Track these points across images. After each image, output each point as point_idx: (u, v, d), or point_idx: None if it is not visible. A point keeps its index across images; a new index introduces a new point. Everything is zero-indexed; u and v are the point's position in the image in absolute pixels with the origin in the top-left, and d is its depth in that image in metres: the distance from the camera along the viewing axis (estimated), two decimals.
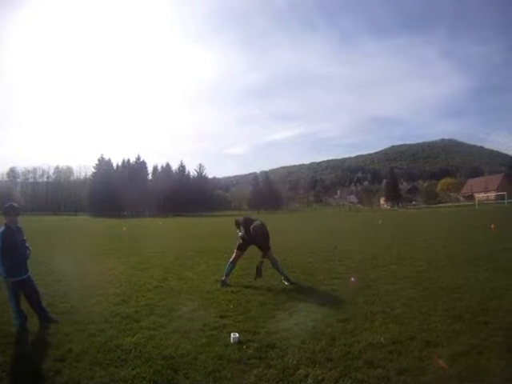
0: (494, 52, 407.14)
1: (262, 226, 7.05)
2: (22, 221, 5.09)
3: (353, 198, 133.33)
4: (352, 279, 7.27)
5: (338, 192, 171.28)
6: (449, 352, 3.68)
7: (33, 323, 4.87)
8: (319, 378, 3.31)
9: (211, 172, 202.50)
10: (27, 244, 5.09)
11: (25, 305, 4.94)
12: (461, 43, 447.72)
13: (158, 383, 3.30)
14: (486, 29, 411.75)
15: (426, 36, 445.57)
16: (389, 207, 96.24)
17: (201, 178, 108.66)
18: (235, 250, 7.35)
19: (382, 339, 4.07)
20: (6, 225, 4.81)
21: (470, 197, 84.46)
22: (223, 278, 7.18)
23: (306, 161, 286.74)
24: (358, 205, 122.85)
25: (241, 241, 7.29)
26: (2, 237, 4.69)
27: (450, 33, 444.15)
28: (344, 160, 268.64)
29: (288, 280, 7.13)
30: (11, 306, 4.81)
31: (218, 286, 6.99)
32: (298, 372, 3.42)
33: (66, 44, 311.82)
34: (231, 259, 7.33)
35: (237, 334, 4.19)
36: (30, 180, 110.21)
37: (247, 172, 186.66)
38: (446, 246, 11.73)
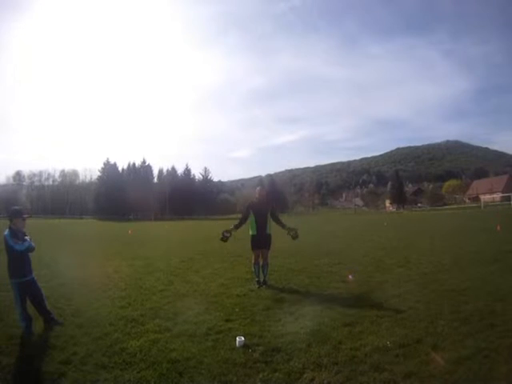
0: (496, 52, 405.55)
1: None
2: (27, 224, 5.09)
3: (358, 201, 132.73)
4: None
5: (344, 195, 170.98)
6: (455, 355, 3.63)
7: (38, 325, 4.89)
8: (325, 381, 3.29)
9: (216, 175, 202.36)
10: (32, 243, 5.06)
11: (30, 307, 4.96)
12: (463, 44, 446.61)
13: None
14: (488, 28, 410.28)
15: (428, 37, 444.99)
16: (394, 210, 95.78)
17: (206, 181, 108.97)
18: (252, 252, 7.47)
19: (388, 343, 4.04)
20: (10, 228, 4.84)
21: (476, 198, 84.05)
22: (256, 279, 7.34)
23: (311, 164, 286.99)
24: (364, 207, 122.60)
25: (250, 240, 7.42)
26: (6, 240, 4.72)
27: (452, 33, 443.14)
28: (349, 163, 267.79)
29: (265, 283, 7.25)
30: (16, 307, 4.83)
31: (256, 286, 7.10)
32: (304, 376, 3.41)
33: (70, 48, 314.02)
34: (252, 262, 7.49)
35: (242, 338, 4.18)
36: (36, 183, 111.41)
37: (252, 175, 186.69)
38: (452, 248, 11.64)
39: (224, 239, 7.49)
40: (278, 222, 7.54)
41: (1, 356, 3.98)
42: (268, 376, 3.42)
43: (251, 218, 7.40)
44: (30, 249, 4.92)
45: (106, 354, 3.95)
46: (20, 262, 4.81)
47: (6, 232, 4.78)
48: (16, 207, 5.06)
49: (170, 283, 7.67)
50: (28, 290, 4.91)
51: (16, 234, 4.83)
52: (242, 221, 7.46)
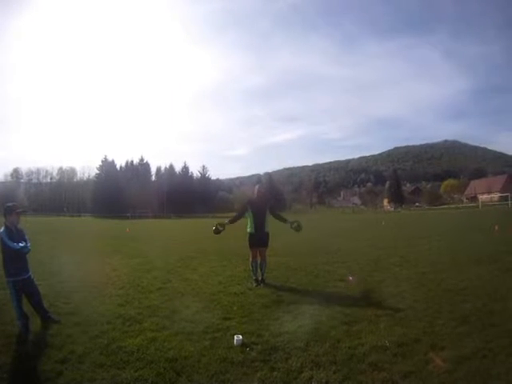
0: (496, 52, 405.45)
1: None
2: (25, 221, 5.06)
3: (356, 200, 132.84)
4: (350, 278, 7.32)
5: (342, 193, 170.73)
6: (454, 355, 3.63)
7: (35, 324, 4.87)
8: (323, 380, 3.27)
9: (214, 173, 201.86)
10: (28, 244, 5.02)
11: (27, 306, 4.94)
12: (463, 44, 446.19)
13: None
14: (488, 29, 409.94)
15: (427, 37, 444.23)
16: (392, 209, 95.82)
17: (204, 179, 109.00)
18: (250, 250, 7.49)
19: (386, 342, 4.03)
20: (5, 225, 4.81)
21: (474, 198, 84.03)
22: (254, 278, 7.36)
23: (309, 162, 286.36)
24: (362, 206, 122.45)
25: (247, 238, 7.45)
26: (1, 237, 4.70)
27: (452, 33, 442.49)
28: (347, 161, 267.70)
29: (263, 282, 7.25)
30: (13, 306, 4.80)
31: (254, 285, 7.10)
32: (302, 375, 3.39)
33: (69, 45, 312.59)
34: (250, 260, 7.50)
35: (240, 337, 4.16)
36: (34, 181, 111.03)
37: (250, 173, 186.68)
38: (450, 248, 11.67)
39: (217, 232, 7.60)
40: (279, 217, 7.56)
41: None
42: (266, 375, 3.40)
43: (249, 216, 7.40)
44: (25, 251, 4.90)
45: (104, 353, 3.92)
46: (15, 260, 4.78)
47: (2, 230, 4.75)
48: (9, 203, 5.03)
49: (167, 281, 7.65)
50: (24, 289, 4.88)
51: (11, 230, 4.81)
52: (238, 215, 7.59)
